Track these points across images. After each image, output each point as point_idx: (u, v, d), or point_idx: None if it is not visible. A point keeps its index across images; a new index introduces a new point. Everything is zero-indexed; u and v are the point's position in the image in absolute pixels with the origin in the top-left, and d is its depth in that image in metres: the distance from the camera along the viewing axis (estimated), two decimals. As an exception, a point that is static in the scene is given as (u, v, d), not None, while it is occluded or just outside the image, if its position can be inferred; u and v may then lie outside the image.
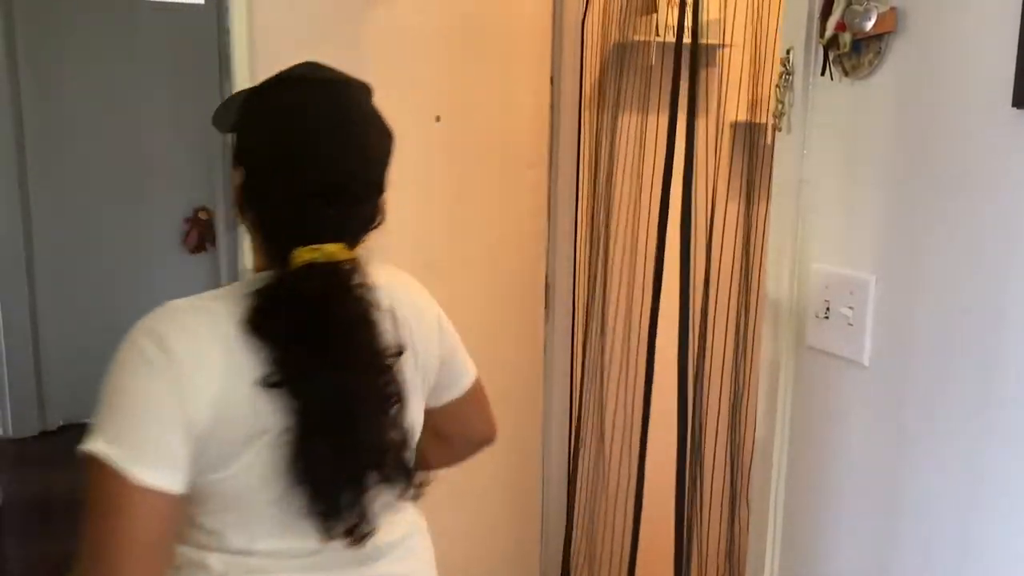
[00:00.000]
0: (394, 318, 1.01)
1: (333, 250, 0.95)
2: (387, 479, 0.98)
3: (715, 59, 2.27)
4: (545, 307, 2.28)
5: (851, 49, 1.09)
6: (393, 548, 1.04)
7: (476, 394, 1.21)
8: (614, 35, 2.27)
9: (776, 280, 1.26)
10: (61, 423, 4.40)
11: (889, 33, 1.04)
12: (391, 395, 0.98)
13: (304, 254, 0.93)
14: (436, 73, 1.92)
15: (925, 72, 1.01)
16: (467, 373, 1.19)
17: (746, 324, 2.06)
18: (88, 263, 4.38)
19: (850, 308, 1.12)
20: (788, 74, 1.21)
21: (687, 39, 1.84)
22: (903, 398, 1.05)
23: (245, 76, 1.52)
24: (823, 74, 1.15)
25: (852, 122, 1.12)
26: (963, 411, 0.96)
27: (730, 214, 2.30)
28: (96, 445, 0.84)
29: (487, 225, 2.10)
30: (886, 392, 1.08)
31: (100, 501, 0.86)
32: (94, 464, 0.85)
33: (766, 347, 1.28)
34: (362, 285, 0.96)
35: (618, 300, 2.31)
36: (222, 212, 4.52)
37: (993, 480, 0.94)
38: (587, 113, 2.28)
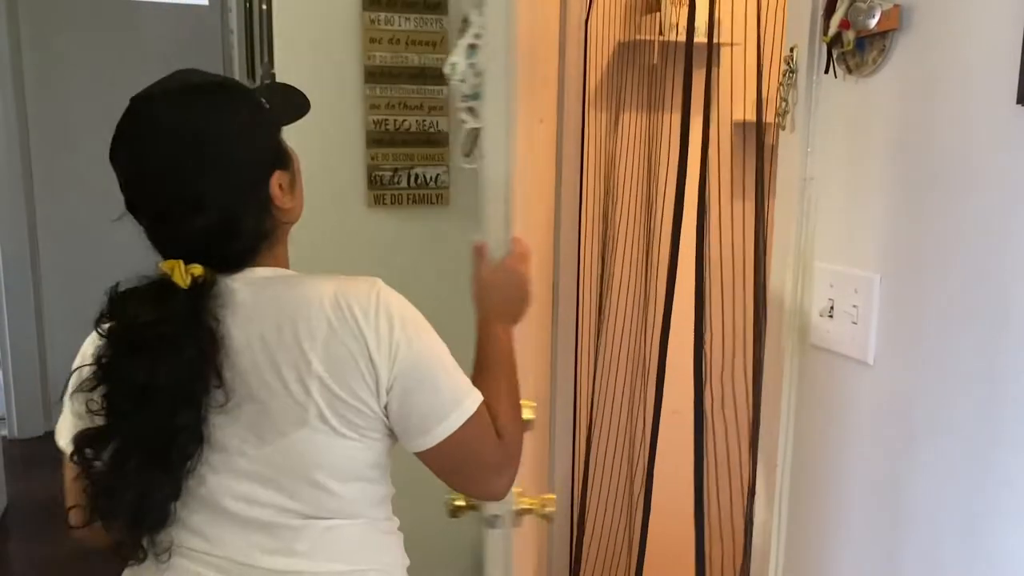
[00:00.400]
0: (225, 345, 0.93)
1: (166, 267, 0.95)
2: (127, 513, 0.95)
3: (717, 58, 2.27)
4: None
5: (855, 47, 1.09)
6: None
7: (442, 457, 0.98)
8: (617, 34, 2.27)
9: (780, 278, 1.25)
10: (66, 424, 4.42)
11: (893, 30, 1.04)
12: (97, 433, 0.94)
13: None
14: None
15: (929, 69, 1.00)
16: (427, 432, 0.96)
17: (756, 323, 2.05)
18: (92, 264, 4.39)
19: (854, 306, 1.11)
20: (792, 72, 1.21)
21: (700, 38, 1.84)
22: (908, 397, 1.04)
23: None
24: (827, 72, 1.15)
25: (856, 120, 1.12)
26: (970, 411, 0.96)
27: (736, 213, 2.30)
28: None
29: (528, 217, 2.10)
30: (891, 391, 1.07)
31: None
32: None
33: (770, 346, 1.28)
34: (154, 306, 0.93)
35: (629, 299, 2.31)
36: (226, 213, 4.54)
37: (1001, 481, 0.93)
38: (591, 112, 2.28)
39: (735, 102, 2.31)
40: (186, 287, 0.94)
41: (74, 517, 1.01)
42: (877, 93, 1.08)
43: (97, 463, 0.95)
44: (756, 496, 1.34)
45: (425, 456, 0.99)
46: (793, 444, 1.25)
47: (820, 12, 1.15)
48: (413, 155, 2.11)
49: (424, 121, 2.12)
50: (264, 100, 1.03)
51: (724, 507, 2.16)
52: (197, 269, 0.94)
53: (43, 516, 3.49)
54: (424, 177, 2.14)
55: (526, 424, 1.09)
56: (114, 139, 0.98)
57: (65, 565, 3.09)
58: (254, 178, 0.99)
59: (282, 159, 1.02)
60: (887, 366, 1.08)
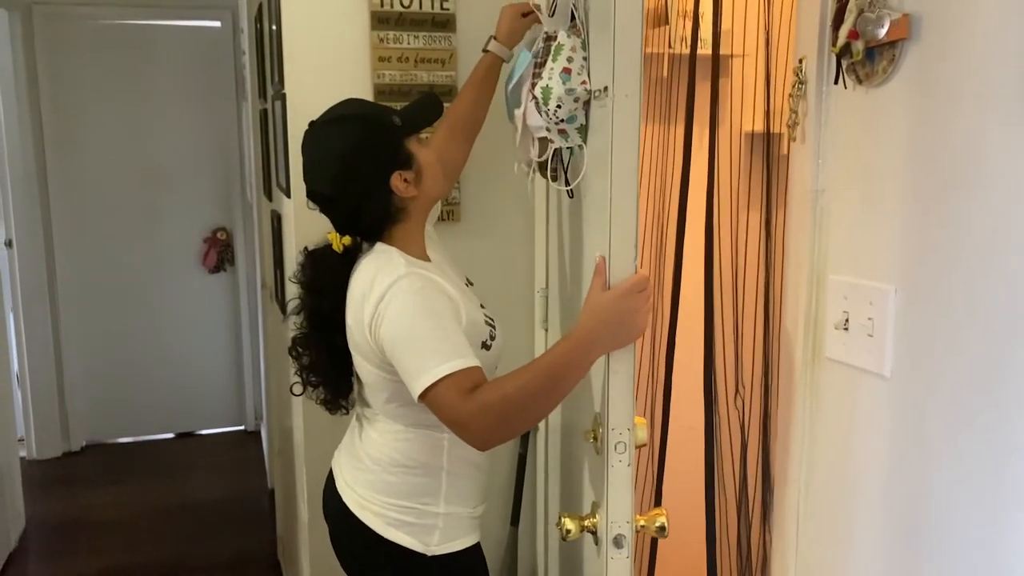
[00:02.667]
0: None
1: (330, 237, 1.40)
2: (316, 388, 1.48)
3: (728, 69, 2.26)
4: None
5: (864, 57, 1.08)
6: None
7: (428, 407, 1.26)
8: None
9: (794, 291, 1.24)
10: (84, 444, 4.43)
11: (903, 40, 1.03)
12: (301, 339, 1.45)
13: None
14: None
15: (940, 78, 0.99)
16: (410, 388, 1.25)
17: (766, 336, 2.03)
18: (109, 284, 4.42)
19: (869, 319, 1.10)
20: (801, 83, 1.20)
21: (703, 50, 1.84)
22: (925, 410, 1.03)
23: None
24: (836, 83, 1.14)
25: (867, 130, 1.11)
26: (987, 423, 0.94)
27: (749, 225, 2.29)
28: None
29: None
30: (907, 404, 1.06)
31: None
32: None
33: (785, 359, 1.27)
34: (320, 263, 1.41)
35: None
36: (240, 232, 4.55)
37: (1020, 495, 0.91)
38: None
39: (745, 113, 2.30)
40: (339, 251, 1.39)
41: (296, 388, 1.50)
42: (888, 103, 1.07)
43: (304, 357, 1.45)
44: (772, 511, 1.32)
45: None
46: (808, 458, 1.24)
47: (829, 23, 1.14)
48: (424, 172, 2.11)
49: (434, 138, 2.12)
50: (398, 118, 1.39)
51: (734, 524, 2.13)
52: (347, 240, 1.39)
53: (61, 536, 3.50)
54: (435, 194, 2.13)
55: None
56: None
57: (83, 586, 3.10)
58: (370, 183, 1.34)
59: (403, 161, 1.36)
60: (904, 379, 1.06)
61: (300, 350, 1.47)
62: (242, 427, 4.70)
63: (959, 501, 0.99)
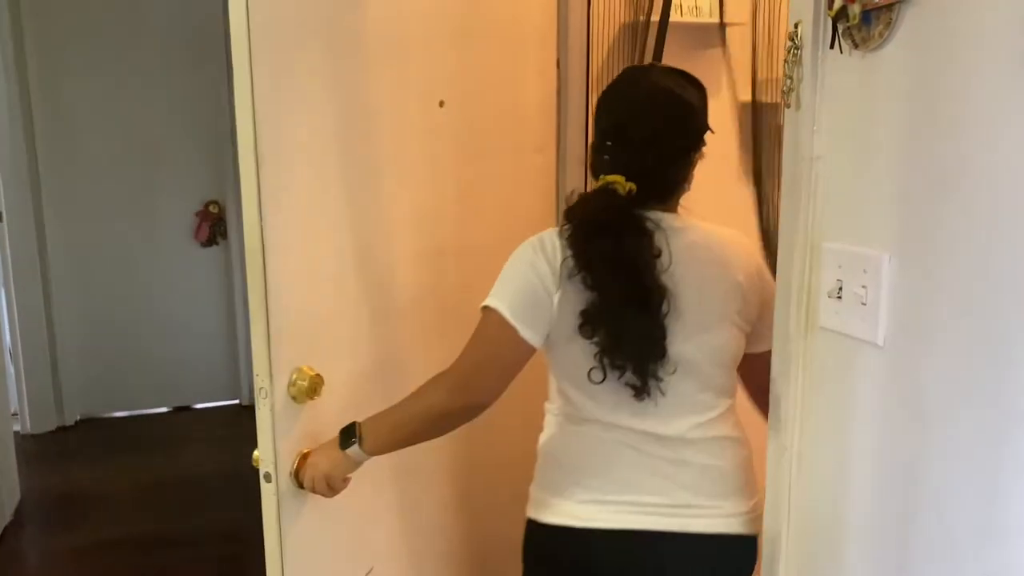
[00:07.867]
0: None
1: (610, 179, 1.39)
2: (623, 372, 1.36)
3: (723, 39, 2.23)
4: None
5: (861, 21, 1.06)
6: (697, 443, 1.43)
7: None
8: (623, 15, 2.23)
9: (787, 260, 1.23)
10: (78, 418, 4.44)
11: (899, 2, 1.01)
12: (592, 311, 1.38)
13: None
14: (438, 56, 1.88)
15: (938, 42, 0.97)
16: None
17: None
18: (101, 258, 4.40)
19: (863, 287, 1.09)
20: (796, 49, 1.18)
21: (706, 19, 1.81)
22: (920, 380, 1.02)
23: (245, 68, 1.45)
24: (832, 47, 1.12)
25: (864, 96, 1.09)
26: (986, 393, 0.93)
27: (744, 195, 2.27)
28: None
29: (496, 210, 2.07)
30: (902, 373, 1.05)
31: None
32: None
33: (778, 328, 1.26)
34: (607, 198, 1.37)
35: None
36: (232, 205, 4.52)
37: (1018, 467, 0.91)
38: (595, 96, 2.25)
39: (741, 83, 2.28)
40: (624, 194, 1.36)
41: (594, 375, 1.34)
42: (884, 67, 1.05)
43: (596, 335, 1.31)
44: (764, 485, 1.32)
45: None
46: (801, 429, 1.23)
47: (825, -15, 1.12)
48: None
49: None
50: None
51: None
52: (632, 185, 1.36)
53: (56, 509, 3.51)
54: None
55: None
56: (613, 93, 1.49)
57: (77, 557, 3.11)
58: (690, 142, 1.43)
59: (701, 148, 1.46)
60: (898, 347, 1.05)
61: (592, 324, 1.32)
62: (237, 401, 4.71)
63: (957, 471, 0.98)
